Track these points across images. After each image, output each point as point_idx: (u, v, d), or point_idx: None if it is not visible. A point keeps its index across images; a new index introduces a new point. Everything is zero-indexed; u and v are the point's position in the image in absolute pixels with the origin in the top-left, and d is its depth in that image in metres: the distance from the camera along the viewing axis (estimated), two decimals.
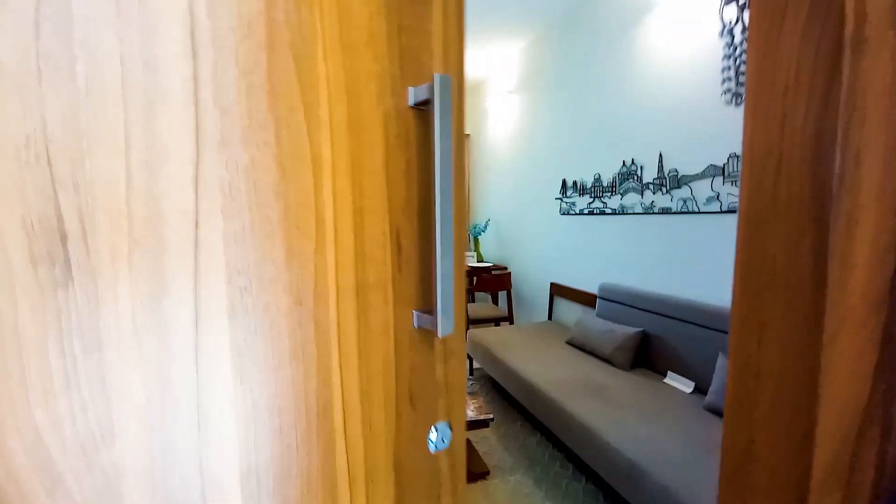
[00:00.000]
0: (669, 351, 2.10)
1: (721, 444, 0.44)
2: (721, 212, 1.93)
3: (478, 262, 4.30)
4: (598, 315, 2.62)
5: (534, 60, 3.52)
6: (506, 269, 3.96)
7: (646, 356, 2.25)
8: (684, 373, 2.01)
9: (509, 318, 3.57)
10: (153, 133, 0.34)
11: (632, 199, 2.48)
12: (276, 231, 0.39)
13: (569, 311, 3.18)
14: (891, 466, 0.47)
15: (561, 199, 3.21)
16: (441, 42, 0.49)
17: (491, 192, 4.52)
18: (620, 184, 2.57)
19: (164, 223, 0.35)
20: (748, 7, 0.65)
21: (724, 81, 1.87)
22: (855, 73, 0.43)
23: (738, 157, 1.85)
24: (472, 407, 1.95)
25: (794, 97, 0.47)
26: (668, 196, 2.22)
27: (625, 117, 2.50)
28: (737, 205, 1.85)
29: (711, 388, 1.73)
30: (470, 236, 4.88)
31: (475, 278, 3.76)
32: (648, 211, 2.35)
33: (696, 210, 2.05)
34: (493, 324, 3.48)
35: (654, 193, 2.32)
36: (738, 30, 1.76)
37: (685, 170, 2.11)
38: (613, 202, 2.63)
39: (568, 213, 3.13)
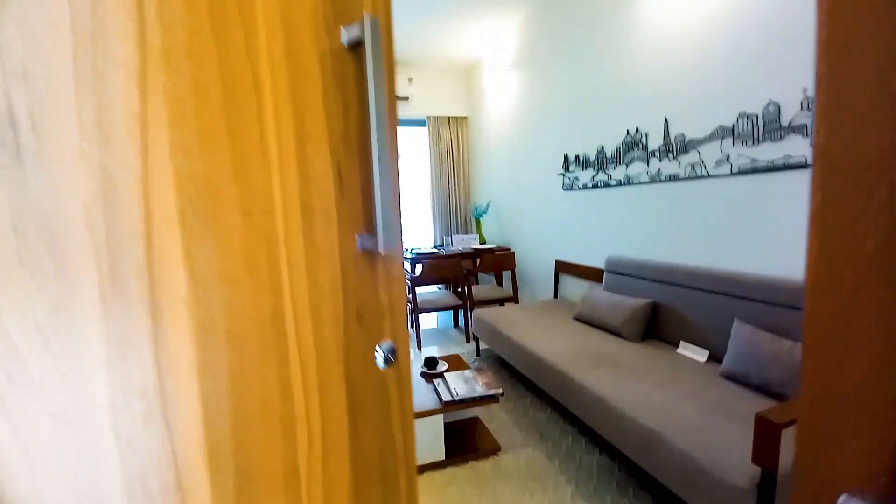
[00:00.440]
0: (681, 320, 2.05)
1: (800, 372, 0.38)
2: (731, 174, 1.86)
3: (480, 243, 4.23)
4: (606, 289, 2.56)
5: (531, 34, 3.42)
6: (509, 249, 3.90)
7: (656, 327, 2.20)
8: (698, 342, 1.96)
9: (514, 299, 3.52)
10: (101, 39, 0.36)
11: (637, 168, 2.41)
12: (222, 143, 0.41)
13: (575, 288, 3.13)
14: None
15: (563, 174, 3.14)
16: None
17: (491, 173, 4.44)
18: (625, 154, 2.49)
19: (112, 125, 0.36)
20: None
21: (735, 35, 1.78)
22: None
23: (747, 115, 1.77)
24: (480, 382, 1.91)
25: None
26: (675, 162, 2.15)
27: (628, 84, 2.42)
28: (748, 165, 1.76)
29: (728, 355, 1.68)
30: (472, 218, 4.82)
31: (478, 259, 3.70)
32: (655, 179, 2.28)
33: (706, 174, 1.98)
34: (497, 304, 3.44)
35: (660, 161, 2.25)
36: None
37: (692, 133, 2.04)
38: (618, 173, 2.56)
39: (571, 189, 3.06)
